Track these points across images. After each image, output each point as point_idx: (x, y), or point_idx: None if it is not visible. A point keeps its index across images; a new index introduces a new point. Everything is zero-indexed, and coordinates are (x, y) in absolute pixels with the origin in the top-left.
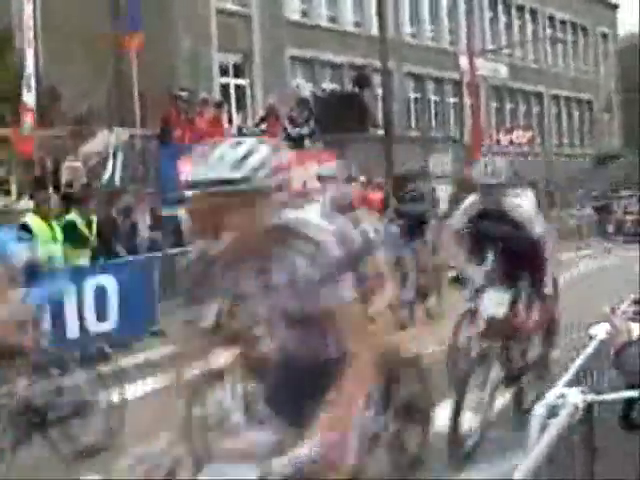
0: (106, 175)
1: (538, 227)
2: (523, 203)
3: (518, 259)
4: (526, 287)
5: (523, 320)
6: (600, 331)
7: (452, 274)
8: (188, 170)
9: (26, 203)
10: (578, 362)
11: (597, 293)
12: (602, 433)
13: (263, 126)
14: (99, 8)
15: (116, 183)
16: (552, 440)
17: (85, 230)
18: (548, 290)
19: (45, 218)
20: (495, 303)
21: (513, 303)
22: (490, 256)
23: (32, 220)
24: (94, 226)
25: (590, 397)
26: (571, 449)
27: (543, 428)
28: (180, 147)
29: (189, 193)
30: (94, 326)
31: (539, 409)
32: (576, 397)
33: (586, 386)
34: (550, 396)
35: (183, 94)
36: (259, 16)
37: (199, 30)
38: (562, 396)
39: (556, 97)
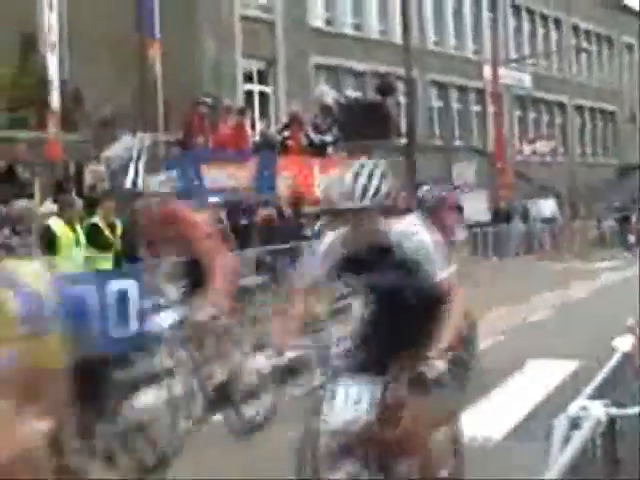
0: (129, 179)
1: (440, 267)
2: (417, 229)
3: (403, 325)
4: (406, 370)
5: (407, 428)
6: (624, 343)
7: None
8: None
9: (49, 206)
10: (601, 375)
11: (620, 305)
12: (625, 446)
13: (286, 133)
14: (124, 12)
15: (139, 187)
16: (574, 453)
17: (109, 234)
18: (438, 369)
19: (68, 221)
20: (353, 404)
21: (383, 401)
22: (354, 323)
23: (55, 223)
24: (118, 230)
25: (613, 410)
26: (593, 462)
27: (566, 441)
28: (202, 153)
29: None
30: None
31: (561, 421)
32: (599, 410)
33: (609, 399)
34: (573, 409)
35: (207, 100)
36: (283, 23)
37: (223, 36)
38: (585, 409)
39: (580, 107)
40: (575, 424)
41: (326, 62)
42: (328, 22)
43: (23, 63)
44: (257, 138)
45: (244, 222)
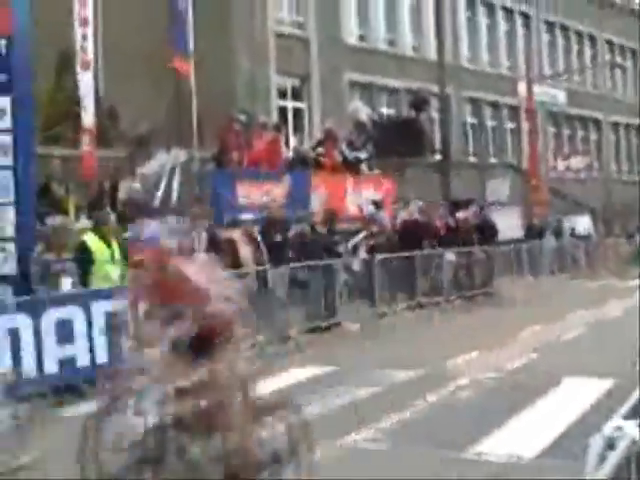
0: (160, 195)
1: None
2: None
3: None
4: None
5: None
6: None
7: None
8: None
9: (84, 222)
10: (636, 394)
11: None
12: None
13: (320, 149)
14: (157, 27)
15: (173, 204)
16: (610, 472)
17: None
18: None
19: (103, 237)
20: None
21: None
22: None
23: (90, 239)
24: None
25: None
26: None
27: (601, 460)
28: (237, 169)
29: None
30: None
31: (597, 441)
32: (634, 430)
33: None
34: (607, 429)
35: (241, 117)
36: (317, 39)
37: (257, 53)
38: (619, 429)
39: (615, 124)
40: (610, 444)
41: (360, 79)
42: (362, 38)
43: (59, 80)
44: (291, 154)
45: (278, 239)
